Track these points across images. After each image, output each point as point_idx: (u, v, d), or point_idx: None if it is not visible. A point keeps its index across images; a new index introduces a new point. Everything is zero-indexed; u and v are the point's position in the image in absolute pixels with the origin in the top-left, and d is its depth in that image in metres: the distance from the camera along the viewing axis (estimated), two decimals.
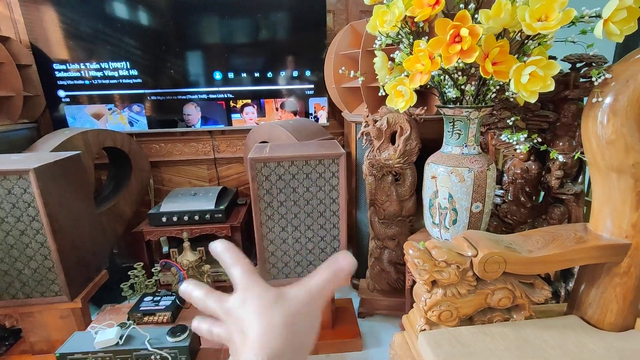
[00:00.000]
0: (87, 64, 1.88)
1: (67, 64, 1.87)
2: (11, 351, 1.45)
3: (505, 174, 1.38)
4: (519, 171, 1.31)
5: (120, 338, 0.99)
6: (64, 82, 1.89)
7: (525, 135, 1.02)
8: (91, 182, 1.58)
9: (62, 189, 1.26)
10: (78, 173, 1.38)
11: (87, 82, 1.90)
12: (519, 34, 0.91)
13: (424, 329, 0.94)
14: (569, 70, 1.17)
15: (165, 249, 2.05)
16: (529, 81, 0.86)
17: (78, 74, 1.89)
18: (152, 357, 0.96)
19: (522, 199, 1.33)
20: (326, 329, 1.51)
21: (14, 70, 1.70)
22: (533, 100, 0.89)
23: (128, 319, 1.17)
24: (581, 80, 1.14)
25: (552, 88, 0.86)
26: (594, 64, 1.11)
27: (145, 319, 1.17)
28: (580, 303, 0.97)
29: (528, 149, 1.01)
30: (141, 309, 1.17)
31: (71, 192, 1.32)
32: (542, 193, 1.33)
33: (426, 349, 0.88)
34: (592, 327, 0.92)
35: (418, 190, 1.44)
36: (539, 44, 0.93)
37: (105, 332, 1.00)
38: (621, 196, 0.87)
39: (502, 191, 1.40)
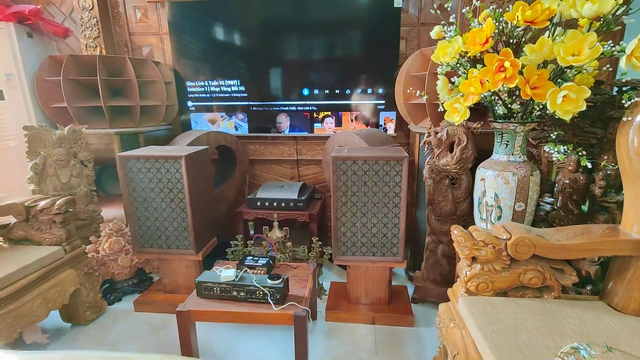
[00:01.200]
0: (209, 81, 2.45)
1: (196, 82, 2.46)
2: (149, 289, 1.99)
3: (556, 184, 1.54)
4: (567, 181, 1.47)
5: (236, 277, 1.40)
6: (192, 95, 2.49)
7: (565, 148, 1.22)
8: (211, 171, 2.08)
9: (197, 172, 1.76)
10: (205, 162, 1.88)
11: (208, 95, 2.48)
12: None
13: (464, 296, 1.18)
14: (616, 93, 1.32)
15: (251, 232, 2.51)
16: (563, 102, 1.08)
17: (202, 89, 2.47)
18: (257, 291, 1.35)
19: (570, 206, 1.48)
20: (382, 305, 1.78)
21: (162, 86, 2.32)
22: (567, 118, 1.10)
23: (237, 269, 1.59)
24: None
25: (583, 108, 1.07)
26: (638, 88, 1.25)
27: (249, 270, 1.57)
28: (607, 292, 1.13)
29: (564, 159, 1.20)
30: (246, 263, 1.58)
31: (201, 175, 1.82)
32: (588, 202, 1.46)
33: (464, 309, 1.13)
34: (615, 311, 1.08)
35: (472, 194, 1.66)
36: (579, 72, 1.13)
37: (226, 271, 1.42)
38: None
39: (552, 199, 1.55)
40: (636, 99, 1.05)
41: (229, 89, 2.44)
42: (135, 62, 2.18)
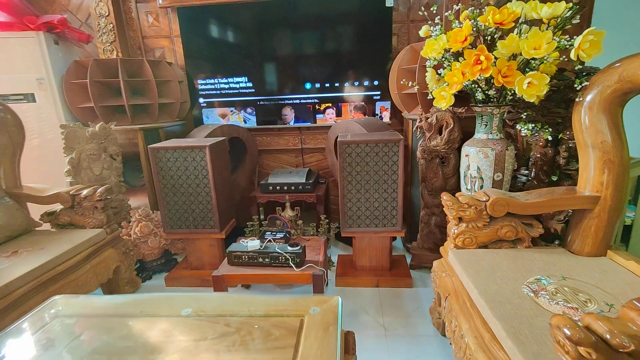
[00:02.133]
0: (219, 79, 2.66)
1: (206, 80, 2.67)
2: (176, 267, 2.22)
3: (530, 158, 1.80)
4: (539, 155, 1.72)
5: (261, 246, 1.65)
6: (203, 92, 2.70)
7: (533, 125, 1.48)
8: (229, 159, 2.30)
9: (218, 160, 1.99)
10: (224, 151, 2.11)
11: (218, 92, 2.69)
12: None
13: (453, 250, 1.44)
14: (575, 78, 1.57)
15: (262, 216, 2.75)
16: (528, 87, 1.33)
17: (212, 87, 2.68)
18: (280, 257, 1.60)
19: (542, 176, 1.73)
20: (384, 271, 2.04)
21: (176, 85, 2.53)
22: (532, 100, 1.35)
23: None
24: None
25: (544, 92, 1.32)
26: (591, 74, 1.50)
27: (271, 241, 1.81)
28: (567, 240, 1.39)
29: (531, 134, 1.46)
30: (266, 237, 1.82)
31: (221, 163, 2.05)
32: (558, 172, 1.72)
33: (453, 260, 1.38)
34: (573, 254, 1.34)
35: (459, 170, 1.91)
36: (542, 62, 1.38)
37: (252, 242, 1.66)
38: (594, 164, 1.29)
39: (527, 171, 1.81)
40: (586, 83, 1.30)
41: (237, 86, 2.66)
42: (152, 64, 2.38)
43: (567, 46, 1.27)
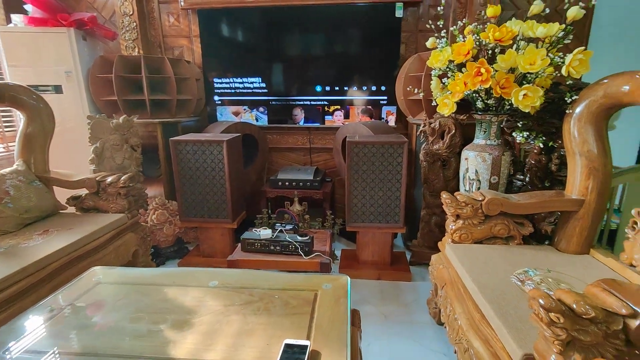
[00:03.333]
0: (234, 78, 2.80)
1: (222, 79, 2.82)
2: (189, 254, 2.36)
3: (526, 164, 1.93)
4: (533, 161, 1.85)
5: (273, 235, 1.78)
6: (218, 91, 2.84)
7: (528, 133, 1.61)
8: (242, 154, 2.44)
9: (233, 155, 2.13)
10: (238, 147, 2.25)
11: (232, 90, 2.83)
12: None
13: (450, 244, 1.57)
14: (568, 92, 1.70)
15: (269, 211, 2.89)
16: (524, 99, 1.47)
17: (227, 85, 2.82)
18: (290, 245, 1.73)
19: (536, 181, 1.87)
20: (386, 265, 2.17)
21: (193, 82, 2.67)
22: (527, 110, 1.49)
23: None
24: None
25: (538, 103, 1.46)
26: (581, 88, 1.64)
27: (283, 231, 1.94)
28: (555, 239, 1.53)
29: (525, 141, 1.59)
30: (276, 227, 1.95)
31: (236, 157, 2.18)
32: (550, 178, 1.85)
33: (450, 253, 1.52)
34: (560, 252, 1.47)
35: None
36: (537, 76, 1.52)
37: (265, 231, 1.79)
38: (580, 171, 1.43)
39: (522, 176, 1.94)
40: (575, 97, 1.44)
41: (251, 85, 2.80)
42: (172, 62, 2.53)
43: (560, 63, 1.41)
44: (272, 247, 1.75)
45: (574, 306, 0.73)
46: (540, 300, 0.75)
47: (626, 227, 1.29)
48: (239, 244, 1.81)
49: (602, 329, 0.73)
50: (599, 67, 1.54)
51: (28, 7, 2.36)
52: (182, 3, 2.71)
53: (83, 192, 2.00)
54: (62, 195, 2.01)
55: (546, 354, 0.78)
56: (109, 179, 1.94)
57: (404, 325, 1.71)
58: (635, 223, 1.26)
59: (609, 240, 1.94)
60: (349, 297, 1.01)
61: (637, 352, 0.76)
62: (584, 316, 0.73)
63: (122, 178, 1.94)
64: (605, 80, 1.34)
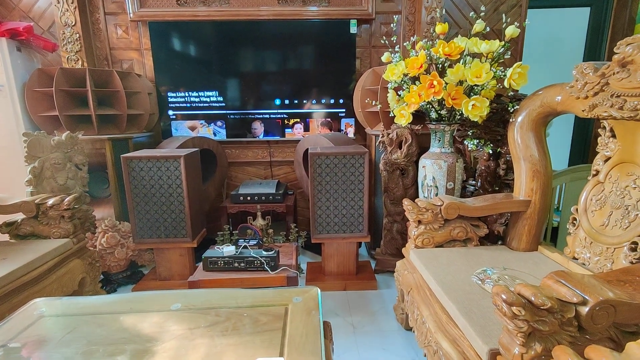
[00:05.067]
0: (189, 92, 2.72)
1: (176, 92, 2.72)
2: (144, 279, 2.19)
3: (477, 170, 2.06)
4: (483, 167, 1.99)
5: (236, 251, 1.72)
6: (173, 105, 2.73)
7: (477, 141, 1.73)
8: (200, 170, 2.34)
9: (191, 171, 2.04)
10: (197, 162, 2.16)
11: (188, 105, 2.74)
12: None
13: (414, 249, 1.62)
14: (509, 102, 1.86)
15: (229, 227, 2.80)
16: (472, 109, 1.57)
17: (183, 100, 2.73)
18: (256, 261, 1.68)
19: (486, 186, 2.00)
20: (351, 275, 2.18)
21: (145, 96, 2.54)
22: (476, 119, 1.60)
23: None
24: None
25: (485, 113, 1.57)
26: (521, 99, 1.80)
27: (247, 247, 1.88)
28: (507, 239, 1.63)
29: (476, 148, 1.71)
30: (240, 243, 1.88)
31: (194, 173, 2.09)
32: (498, 182, 1.99)
33: (414, 258, 1.56)
34: (512, 250, 1.57)
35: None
36: (483, 88, 1.64)
37: (228, 247, 1.72)
38: (525, 174, 1.55)
39: (474, 182, 2.07)
40: (517, 107, 1.57)
41: (208, 99, 2.73)
42: (121, 75, 2.39)
43: (502, 76, 1.54)
44: (236, 264, 1.68)
45: (533, 298, 0.78)
46: (503, 296, 0.79)
47: (567, 224, 1.42)
48: (200, 264, 1.72)
49: (557, 317, 0.79)
50: (530, 79, 1.71)
51: None
52: (132, 15, 2.59)
53: (18, 217, 1.80)
54: None
55: (510, 346, 0.82)
56: (51, 201, 1.77)
57: (373, 334, 1.71)
58: (575, 219, 1.38)
59: (552, 237, 2.12)
60: (320, 309, 1.00)
61: (587, 337, 0.82)
62: (541, 307, 0.77)
63: (66, 199, 1.78)
64: (541, 92, 1.48)
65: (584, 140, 3.00)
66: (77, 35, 2.54)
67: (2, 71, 2.11)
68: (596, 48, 2.99)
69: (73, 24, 2.52)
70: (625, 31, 2.84)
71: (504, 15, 1.70)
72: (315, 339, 0.86)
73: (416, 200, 1.62)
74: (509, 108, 1.59)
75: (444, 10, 2.54)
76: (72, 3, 2.49)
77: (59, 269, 1.68)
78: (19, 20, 2.57)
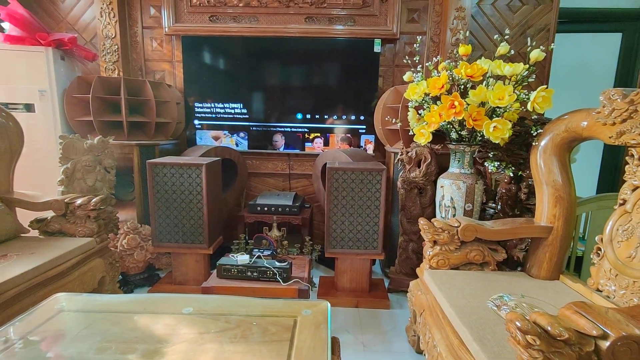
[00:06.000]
0: (215, 103, 2.82)
1: (203, 103, 2.82)
2: (160, 282, 2.24)
3: (497, 193, 2.02)
4: (504, 190, 1.95)
5: (251, 260, 1.74)
6: (199, 115, 2.84)
7: (498, 163, 1.70)
8: (221, 179, 2.40)
9: (212, 179, 2.10)
10: (217, 171, 2.22)
11: (213, 115, 2.84)
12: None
13: (428, 270, 1.59)
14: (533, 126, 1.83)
15: (245, 236, 2.83)
16: (494, 131, 1.56)
17: (208, 110, 2.83)
18: (268, 271, 1.69)
19: (507, 209, 1.95)
20: (364, 292, 2.15)
21: (173, 106, 2.66)
22: (497, 141, 1.58)
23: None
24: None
25: (507, 135, 1.55)
26: (545, 123, 1.76)
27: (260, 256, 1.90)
28: (526, 265, 1.58)
29: (496, 170, 1.68)
30: (254, 252, 1.91)
31: (214, 182, 2.15)
32: (519, 205, 1.94)
33: (428, 279, 1.53)
34: (531, 277, 1.52)
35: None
36: (505, 110, 1.62)
37: (242, 256, 1.75)
38: (547, 199, 1.51)
39: (494, 204, 2.03)
40: (540, 130, 1.55)
41: (232, 111, 2.82)
42: (153, 85, 2.52)
43: (525, 99, 1.52)
44: (249, 273, 1.70)
45: (549, 328, 0.75)
46: (517, 323, 0.77)
47: (591, 253, 1.36)
48: (215, 271, 1.75)
49: (575, 350, 0.75)
50: (557, 104, 1.68)
51: (5, 24, 2.32)
52: (167, 29, 2.74)
53: (48, 214, 1.89)
54: (25, 217, 1.89)
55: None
56: (79, 201, 1.86)
57: (383, 354, 1.67)
58: (599, 249, 1.33)
59: (576, 267, 2.02)
60: (329, 324, 0.99)
61: None
62: (558, 338, 0.75)
63: (93, 200, 1.86)
64: (566, 116, 1.45)
65: (613, 168, 2.88)
66: (116, 46, 2.71)
67: (46, 78, 2.27)
68: (627, 75, 2.91)
69: (113, 36, 2.69)
70: None
71: (529, 39, 1.69)
72: (322, 353, 0.86)
73: (432, 220, 1.60)
74: (532, 131, 1.56)
75: (467, 32, 2.56)
76: (113, 17, 2.67)
77: (82, 267, 1.75)
78: (65, 31, 2.77)
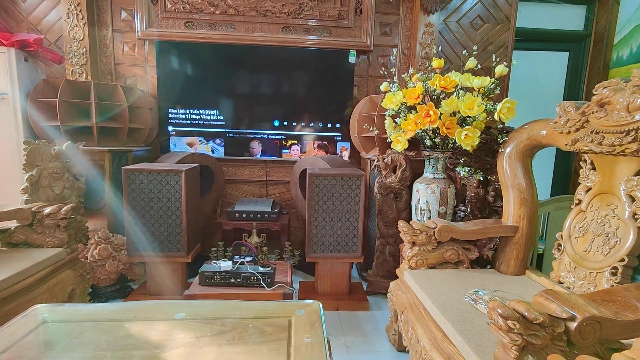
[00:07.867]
0: (190, 109, 2.78)
1: (177, 110, 2.77)
2: (133, 293, 2.16)
3: (466, 197, 2.16)
4: (473, 194, 2.09)
5: (234, 267, 1.73)
6: (173, 121, 2.78)
7: (469, 169, 1.83)
8: (199, 186, 2.36)
9: (190, 186, 2.07)
10: (195, 177, 2.19)
11: (188, 121, 2.79)
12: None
13: (408, 270, 1.67)
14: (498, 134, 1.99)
15: (223, 243, 2.79)
16: (465, 138, 1.68)
17: (183, 116, 2.78)
18: (252, 277, 1.69)
19: (476, 212, 2.09)
20: (344, 296, 2.20)
21: (147, 112, 2.59)
22: (468, 148, 1.70)
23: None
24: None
25: (476, 142, 1.68)
26: (509, 132, 1.93)
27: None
28: (496, 263, 1.70)
29: (467, 175, 1.80)
30: (236, 259, 1.90)
31: (193, 188, 2.12)
32: (487, 208, 2.09)
33: (408, 278, 1.60)
34: (501, 274, 1.64)
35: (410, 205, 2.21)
36: (474, 119, 1.76)
37: (225, 262, 1.74)
38: (513, 201, 1.64)
39: (464, 207, 2.16)
40: (505, 138, 1.69)
41: (208, 117, 2.79)
42: (125, 89, 2.45)
43: (492, 109, 1.66)
44: (232, 280, 1.69)
45: (526, 313, 0.84)
46: (499, 310, 0.85)
47: (553, 249, 1.51)
48: (196, 278, 1.73)
49: (549, 332, 0.84)
50: (516, 115, 1.84)
51: None
52: (139, 33, 2.68)
53: (11, 224, 1.77)
54: None
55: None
56: (47, 210, 1.76)
57: (366, 354, 1.72)
58: (560, 245, 1.47)
59: (537, 264, 2.20)
60: (323, 322, 1.03)
61: (576, 352, 0.88)
62: (534, 322, 0.83)
63: (64, 209, 1.78)
64: (527, 126, 1.60)
65: (565, 172, 3.17)
66: (84, 49, 2.61)
67: (7, 80, 2.14)
68: (575, 88, 3.23)
69: (81, 38, 2.59)
70: (600, 75, 3.09)
71: (493, 55, 1.85)
72: (321, 349, 0.89)
73: (410, 222, 1.69)
74: (499, 139, 1.70)
75: (440, 47, 2.73)
76: (81, 19, 2.57)
77: (51, 279, 1.65)
78: (27, 32, 2.63)
